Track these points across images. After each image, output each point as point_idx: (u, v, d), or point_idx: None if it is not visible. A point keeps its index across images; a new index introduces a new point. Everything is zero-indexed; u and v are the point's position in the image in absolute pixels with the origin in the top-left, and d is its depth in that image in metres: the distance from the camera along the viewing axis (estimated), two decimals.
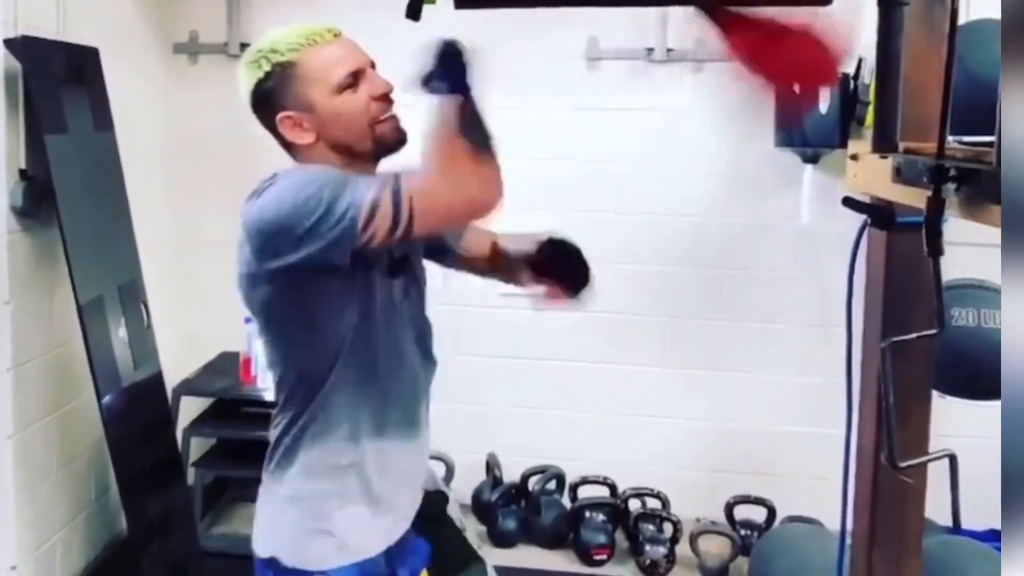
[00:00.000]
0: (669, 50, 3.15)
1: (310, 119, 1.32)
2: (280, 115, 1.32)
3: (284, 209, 1.21)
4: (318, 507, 1.37)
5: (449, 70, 1.28)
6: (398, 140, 1.36)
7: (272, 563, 1.38)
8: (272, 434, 1.42)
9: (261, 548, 1.41)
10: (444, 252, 1.59)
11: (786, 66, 1.23)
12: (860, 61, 2.87)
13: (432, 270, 1.56)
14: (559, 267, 1.53)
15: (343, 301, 1.31)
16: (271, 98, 1.33)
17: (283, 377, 1.39)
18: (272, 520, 1.41)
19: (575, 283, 1.53)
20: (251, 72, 1.34)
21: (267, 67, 1.32)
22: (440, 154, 1.24)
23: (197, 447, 3.13)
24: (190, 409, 3.14)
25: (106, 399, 2.55)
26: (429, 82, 1.28)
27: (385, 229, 1.18)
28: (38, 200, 2.46)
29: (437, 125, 1.25)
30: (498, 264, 1.60)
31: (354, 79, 1.32)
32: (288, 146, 1.36)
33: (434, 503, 1.55)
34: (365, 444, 1.37)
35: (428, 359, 1.48)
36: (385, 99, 1.35)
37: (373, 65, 1.37)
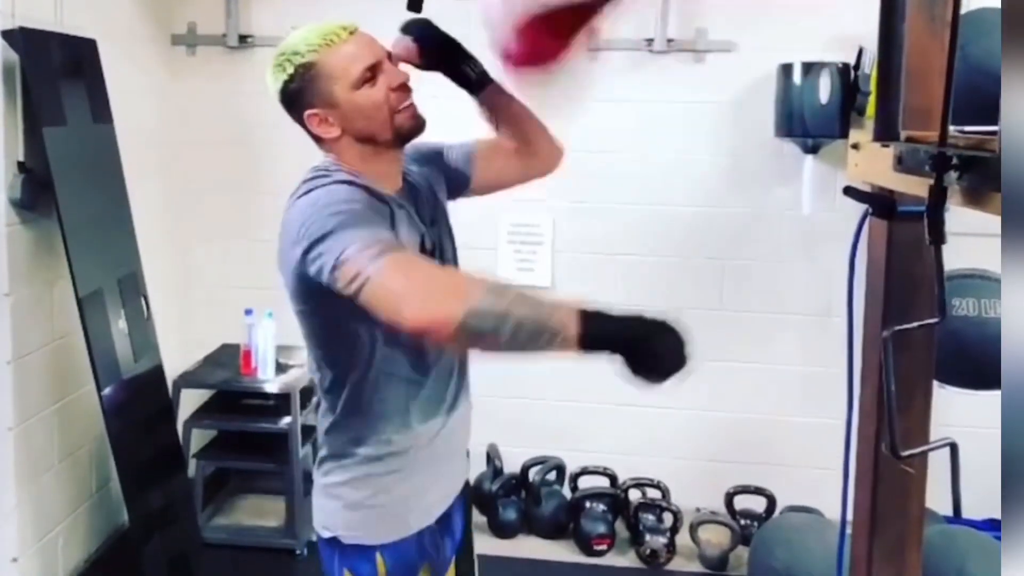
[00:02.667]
0: (669, 40, 3.15)
1: (335, 114, 1.39)
2: (307, 113, 1.40)
3: (307, 222, 1.26)
4: (374, 487, 1.43)
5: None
6: (416, 127, 1.43)
7: (334, 542, 1.45)
8: (321, 424, 1.47)
9: (322, 529, 1.47)
10: (464, 186, 1.64)
11: None
12: (861, 51, 2.86)
13: None
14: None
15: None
16: (298, 98, 1.40)
17: (324, 369, 1.43)
18: (330, 502, 1.46)
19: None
20: (277, 75, 1.41)
21: (291, 69, 1.38)
22: (442, 272, 1.28)
23: (198, 439, 3.14)
24: (191, 401, 3.15)
25: (106, 391, 2.55)
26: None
27: (343, 284, 1.20)
28: (37, 193, 2.46)
29: (499, 286, 1.16)
30: (517, 151, 1.64)
31: (372, 73, 1.38)
32: (317, 139, 1.44)
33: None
34: (416, 428, 1.43)
35: None
36: (403, 88, 1.42)
37: (390, 56, 1.44)
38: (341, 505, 1.45)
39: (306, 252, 1.25)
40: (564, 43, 1.36)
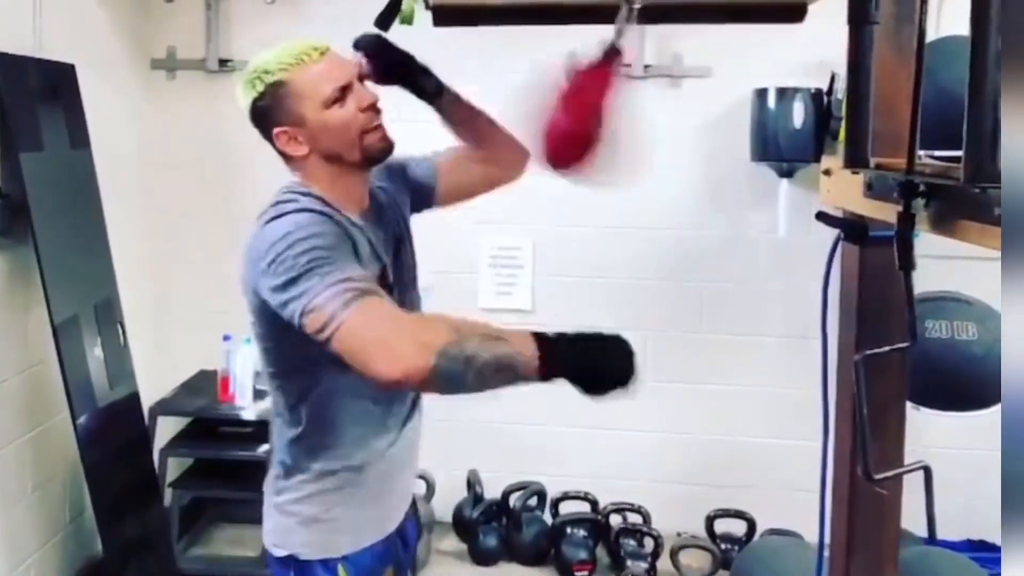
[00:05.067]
0: (647, 66, 3.19)
1: (303, 133, 1.40)
2: (276, 130, 1.40)
3: (272, 255, 1.26)
4: (328, 502, 1.43)
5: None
6: (385, 149, 1.44)
7: (289, 560, 1.44)
8: (275, 442, 1.47)
9: (275, 548, 1.47)
10: (430, 198, 1.64)
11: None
12: (833, 77, 2.92)
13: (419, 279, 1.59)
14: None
15: None
16: (267, 115, 1.40)
17: (281, 387, 1.43)
18: (285, 520, 1.46)
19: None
20: (247, 92, 1.41)
21: (261, 87, 1.39)
22: (411, 321, 1.28)
23: (174, 467, 3.10)
24: (167, 429, 3.11)
25: (81, 419, 2.51)
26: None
27: (312, 330, 1.21)
28: (13, 218, 2.44)
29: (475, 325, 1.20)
30: (482, 158, 1.65)
31: (342, 93, 1.39)
32: (285, 156, 1.44)
33: None
34: (373, 445, 1.44)
35: None
36: (372, 109, 1.42)
37: (360, 78, 1.45)
38: (296, 522, 1.44)
39: (275, 290, 1.25)
40: (592, 135, 1.37)
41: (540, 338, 1.19)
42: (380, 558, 1.47)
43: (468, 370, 1.15)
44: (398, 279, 1.48)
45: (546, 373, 1.19)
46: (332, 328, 1.18)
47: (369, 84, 1.47)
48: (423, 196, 1.63)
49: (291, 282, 1.23)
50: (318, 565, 1.43)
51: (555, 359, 1.19)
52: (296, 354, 1.37)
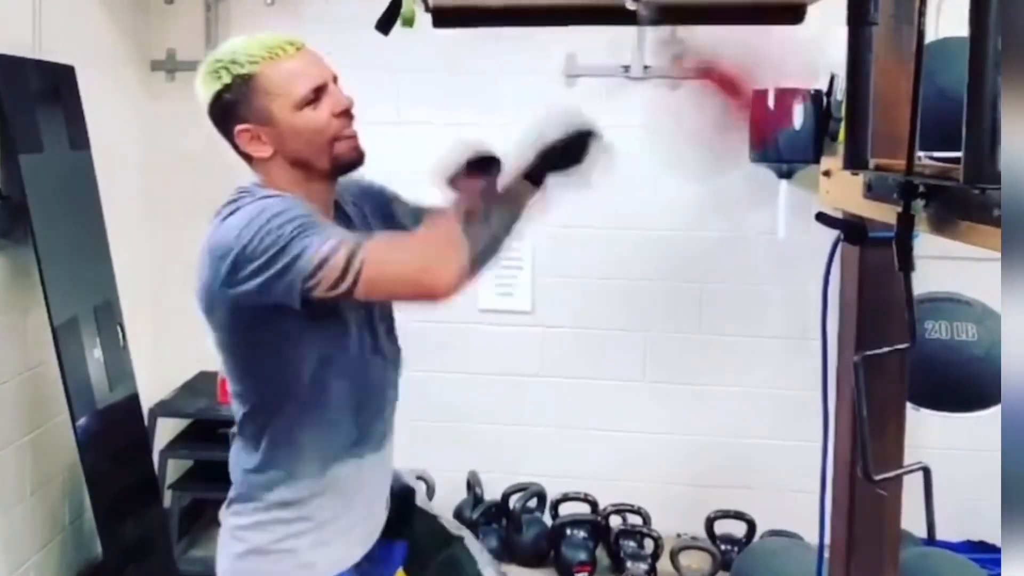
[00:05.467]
0: (646, 67, 3.19)
1: (268, 133, 1.30)
2: (238, 127, 1.31)
3: (245, 237, 1.19)
4: (283, 530, 1.35)
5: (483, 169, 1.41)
6: (356, 159, 1.35)
7: None
8: (237, 462, 1.39)
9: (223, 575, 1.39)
10: None
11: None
12: (833, 78, 2.92)
13: None
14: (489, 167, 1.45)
15: (303, 339, 1.29)
16: (230, 110, 1.30)
17: (249, 404, 1.36)
18: (233, 543, 1.38)
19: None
20: (210, 82, 1.31)
21: (227, 78, 1.29)
22: (422, 234, 1.27)
23: (174, 469, 3.09)
24: (167, 430, 3.11)
25: (81, 421, 2.51)
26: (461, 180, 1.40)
27: (329, 283, 1.16)
28: (12, 220, 2.44)
29: (448, 205, 1.28)
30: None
31: (316, 95, 1.30)
32: (246, 157, 1.35)
33: (402, 502, 1.54)
34: (333, 471, 1.35)
35: (393, 385, 1.46)
36: (346, 115, 1.33)
37: (336, 79, 1.35)
38: (244, 549, 1.35)
39: (256, 272, 1.17)
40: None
41: (530, 170, 1.39)
42: None
43: (494, 239, 1.26)
44: (381, 312, 1.42)
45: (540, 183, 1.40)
46: (355, 270, 1.14)
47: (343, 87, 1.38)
48: None
49: (280, 252, 1.15)
50: None
51: (539, 176, 1.40)
52: (265, 369, 1.29)
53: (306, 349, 1.29)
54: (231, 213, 1.25)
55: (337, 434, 1.35)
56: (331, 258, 1.15)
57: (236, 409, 1.38)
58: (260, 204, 1.23)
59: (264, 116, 1.29)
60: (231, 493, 1.40)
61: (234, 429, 1.40)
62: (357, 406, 1.36)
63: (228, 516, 1.39)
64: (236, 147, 1.34)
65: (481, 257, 1.24)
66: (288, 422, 1.32)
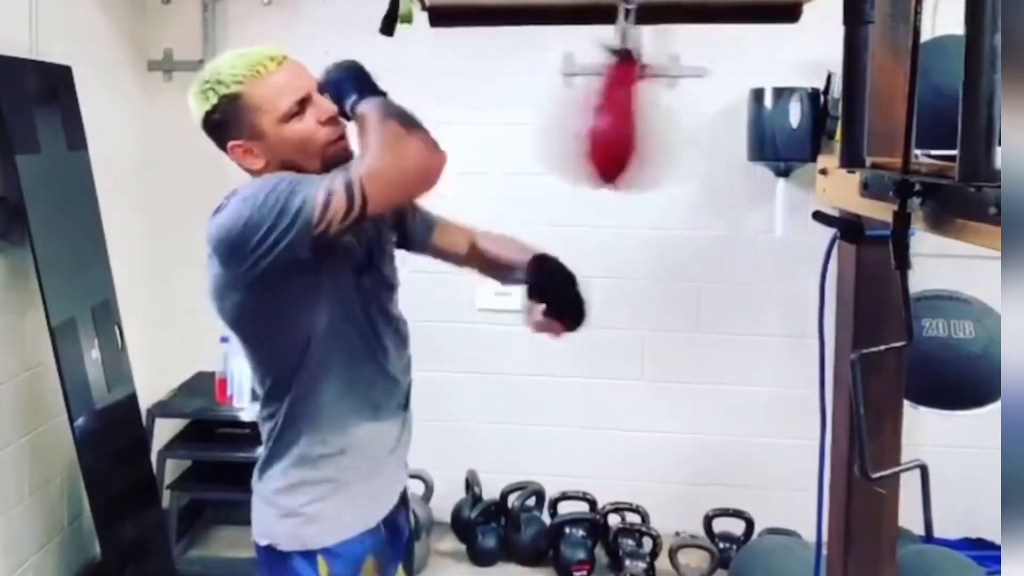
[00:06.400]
0: (644, 67, 3.18)
1: (259, 146, 1.37)
2: (230, 144, 1.38)
3: (245, 214, 1.27)
4: (310, 492, 1.41)
5: (351, 82, 1.39)
6: (345, 158, 1.40)
7: (270, 550, 1.43)
8: (263, 430, 1.47)
9: (260, 537, 1.45)
10: (415, 246, 1.63)
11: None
12: (830, 76, 2.92)
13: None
14: (554, 292, 1.58)
15: (313, 299, 1.36)
16: (221, 128, 1.38)
17: (264, 378, 1.43)
18: (267, 508, 1.45)
19: (569, 313, 1.57)
20: (200, 102, 1.38)
21: (214, 99, 1.36)
22: (375, 137, 1.30)
23: (172, 469, 3.09)
24: (165, 430, 3.10)
25: (79, 421, 2.51)
26: (333, 93, 1.39)
27: (342, 213, 1.24)
28: (10, 221, 2.44)
29: (361, 119, 1.34)
30: (476, 263, 1.67)
31: (300, 106, 1.36)
32: (242, 167, 1.43)
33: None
34: (352, 431, 1.42)
35: (403, 347, 1.52)
36: (332, 122, 1.39)
37: (320, 88, 1.40)
38: (277, 514, 1.43)
39: (265, 234, 1.24)
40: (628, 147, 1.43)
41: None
42: (363, 550, 1.44)
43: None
44: (382, 283, 1.47)
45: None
46: (357, 190, 1.23)
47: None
48: (407, 240, 1.61)
49: (282, 212, 1.23)
50: (297, 556, 1.41)
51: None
52: (288, 322, 1.36)
53: (319, 301, 1.36)
54: (226, 205, 1.33)
55: (354, 393, 1.41)
56: (332, 196, 1.23)
57: (256, 384, 1.46)
58: (250, 187, 1.32)
59: (253, 131, 1.36)
60: (258, 462, 1.47)
61: (259, 411, 1.47)
62: (371, 363, 1.43)
63: (258, 484, 1.47)
64: (231, 158, 1.43)
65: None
66: (307, 381, 1.38)
